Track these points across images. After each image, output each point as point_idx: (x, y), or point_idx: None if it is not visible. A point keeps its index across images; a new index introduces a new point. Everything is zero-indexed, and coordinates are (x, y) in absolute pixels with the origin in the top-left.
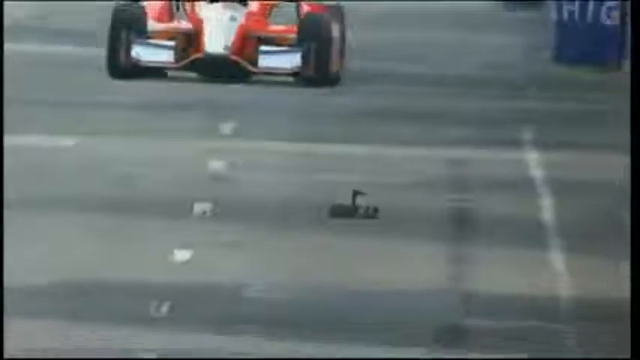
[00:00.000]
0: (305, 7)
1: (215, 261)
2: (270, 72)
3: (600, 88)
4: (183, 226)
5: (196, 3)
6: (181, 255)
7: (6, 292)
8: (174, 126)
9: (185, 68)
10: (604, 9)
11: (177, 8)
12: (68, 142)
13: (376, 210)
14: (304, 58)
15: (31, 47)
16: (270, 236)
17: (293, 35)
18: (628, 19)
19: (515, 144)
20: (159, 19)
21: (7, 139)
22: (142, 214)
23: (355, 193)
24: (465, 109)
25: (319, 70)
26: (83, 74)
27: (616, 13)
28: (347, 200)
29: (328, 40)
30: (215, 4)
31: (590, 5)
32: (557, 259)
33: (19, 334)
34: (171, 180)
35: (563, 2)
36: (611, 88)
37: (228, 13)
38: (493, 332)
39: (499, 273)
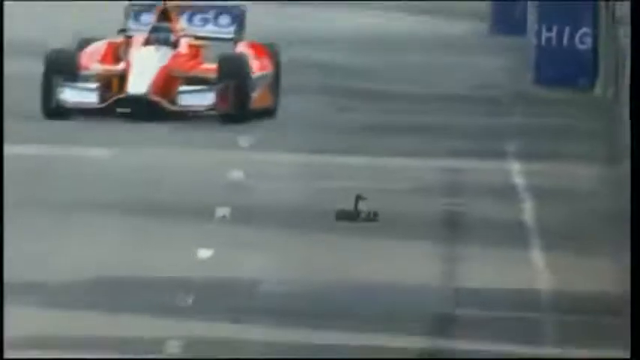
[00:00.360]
0: (241, 47)
1: (234, 259)
2: (188, 110)
3: (575, 106)
4: (205, 228)
5: (133, 45)
6: (204, 253)
7: (53, 286)
8: (197, 139)
9: (110, 108)
10: (578, 35)
11: (125, 51)
12: (106, 152)
13: (376, 214)
14: (220, 95)
15: None
16: (282, 237)
17: (215, 74)
18: (599, 45)
19: (500, 155)
20: (103, 62)
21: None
22: (170, 217)
23: (358, 198)
24: (454, 124)
25: (237, 106)
26: None
27: (589, 39)
28: (350, 205)
29: (247, 77)
30: (148, 47)
31: (566, 32)
32: (538, 256)
33: (59, 322)
34: (195, 187)
35: (542, 29)
36: (585, 106)
37: (156, 55)
38: (481, 322)
39: (486, 269)
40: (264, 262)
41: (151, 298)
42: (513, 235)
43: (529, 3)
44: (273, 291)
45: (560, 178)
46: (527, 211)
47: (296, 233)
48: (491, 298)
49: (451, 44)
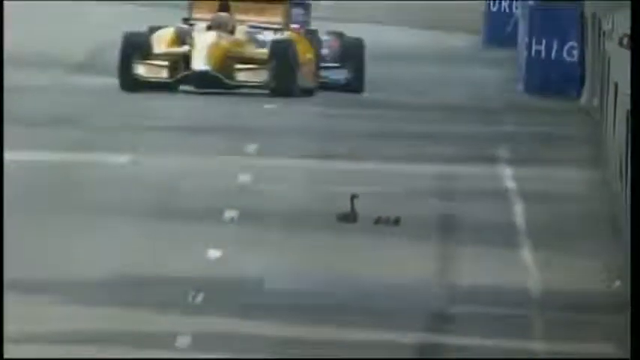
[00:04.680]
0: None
1: (242, 258)
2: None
3: (563, 114)
4: (215, 229)
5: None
6: (214, 253)
7: (72, 283)
8: (207, 146)
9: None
10: (566, 48)
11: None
12: (123, 159)
13: (397, 220)
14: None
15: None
16: (287, 238)
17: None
18: (586, 57)
19: (492, 160)
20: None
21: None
22: (182, 219)
23: (353, 197)
24: (449, 131)
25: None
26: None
27: (576, 52)
28: (353, 208)
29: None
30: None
31: (555, 45)
32: (527, 256)
33: (78, 318)
34: (205, 191)
35: (532, 42)
36: (572, 114)
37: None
38: (474, 318)
39: (478, 267)
40: (271, 261)
41: (164, 295)
42: (505, 235)
43: (520, 18)
44: (278, 288)
45: (548, 181)
46: (518, 213)
47: (300, 234)
48: (482, 294)
49: (447, 56)
